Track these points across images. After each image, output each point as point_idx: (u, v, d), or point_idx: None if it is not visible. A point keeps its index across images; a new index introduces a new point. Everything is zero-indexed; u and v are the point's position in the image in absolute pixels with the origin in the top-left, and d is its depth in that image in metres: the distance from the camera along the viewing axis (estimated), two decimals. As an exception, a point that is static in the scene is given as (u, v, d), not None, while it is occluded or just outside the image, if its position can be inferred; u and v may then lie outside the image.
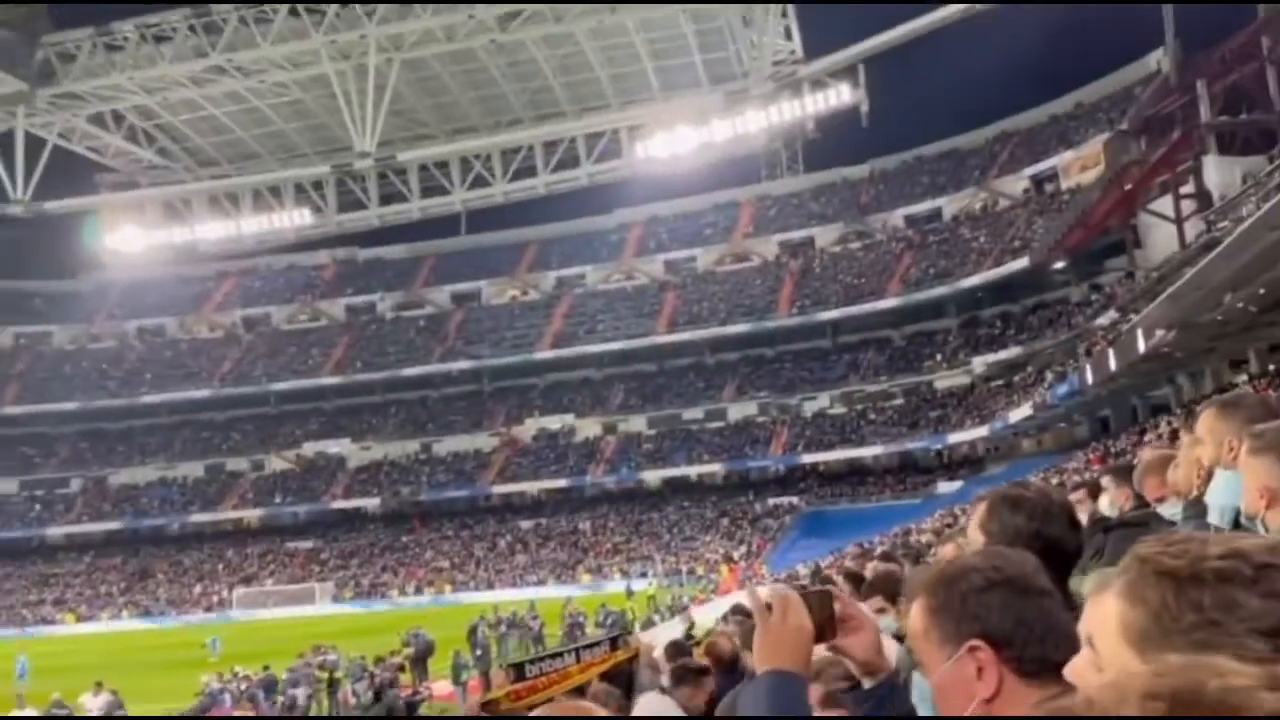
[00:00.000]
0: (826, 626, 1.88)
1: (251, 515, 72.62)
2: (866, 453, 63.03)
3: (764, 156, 77.17)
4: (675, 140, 63.04)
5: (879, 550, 17.56)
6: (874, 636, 1.93)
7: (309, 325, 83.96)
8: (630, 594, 41.62)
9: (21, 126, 61.61)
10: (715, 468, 66.63)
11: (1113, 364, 34.11)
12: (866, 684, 1.99)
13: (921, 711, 1.94)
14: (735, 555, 55.83)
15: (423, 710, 19.58)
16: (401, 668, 22.43)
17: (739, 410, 68.80)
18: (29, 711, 17.11)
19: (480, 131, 66.53)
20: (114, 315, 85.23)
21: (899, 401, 64.24)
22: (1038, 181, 63.70)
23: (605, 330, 74.77)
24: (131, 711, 18.72)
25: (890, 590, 4.99)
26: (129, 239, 75.00)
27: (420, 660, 24.75)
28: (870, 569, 6.93)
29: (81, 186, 73.17)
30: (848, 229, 74.26)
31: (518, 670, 6.12)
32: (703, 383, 72.20)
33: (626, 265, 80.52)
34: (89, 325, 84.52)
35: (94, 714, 18.00)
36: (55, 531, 71.81)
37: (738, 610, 9.86)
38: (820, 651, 1.93)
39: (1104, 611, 1.08)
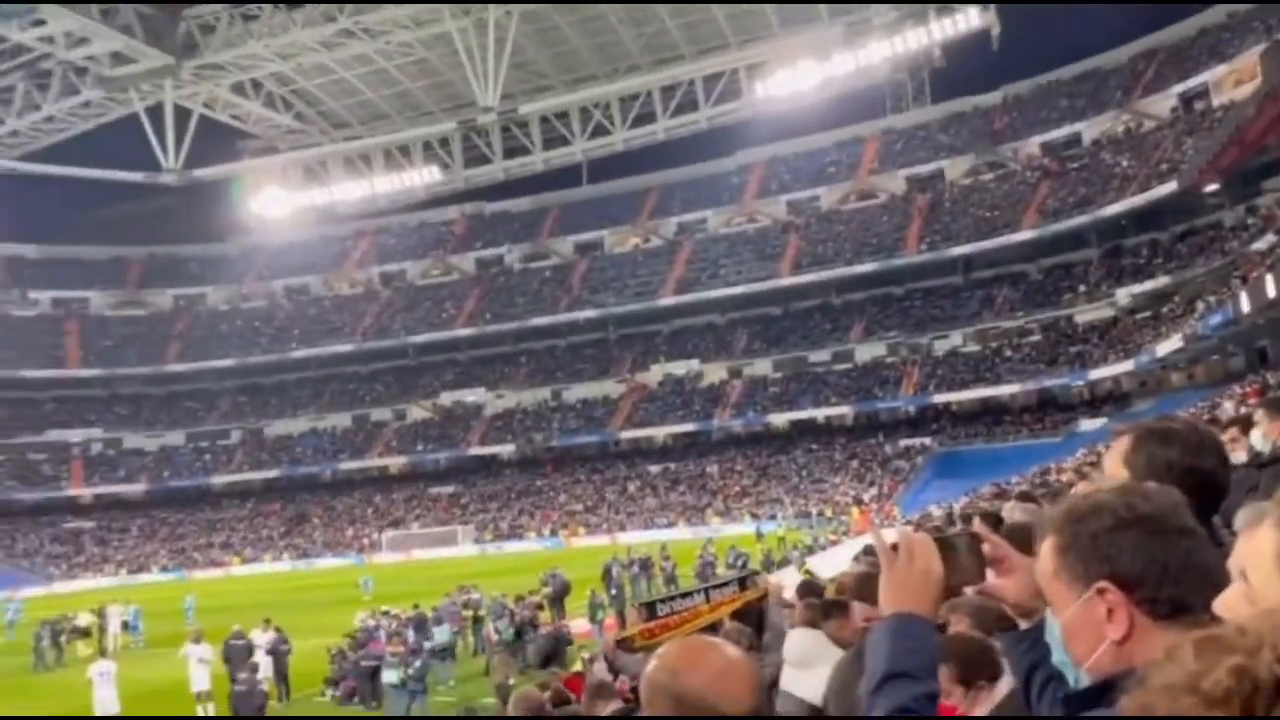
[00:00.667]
0: (975, 569, 1.85)
1: (396, 462, 76.07)
2: (1003, 391, 61.18)
3: (888, 89, 74.65)
4: (796, 77, 61.50)
5: (1017, 490, 17.22)
6: (1027, 578, 1.81)
7: (442, 279, 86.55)
8: (760, 536, 41.94)
9: (170, 99, 64.81)
10: (844, 410, 65.92)
11: (1271, 291, 32.01)
12: (1022, 625, 1.96)
13: (1055, 654, 1.88)
14: (865, 497, 55.44)
15: (564, 647, 20.43)
16: (540, 606, 23.37)
17: (867, 351, 67.69)
18: (204, 646, 18.50)
19: (599, 80, 66.49)
20: (262, 276, 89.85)
21: (1036, 338, 61.96)
22: (1186, 100, 59.71)
23: (728, 274, 74.45)
24: (296, 645, 20.20)
25: (1023, 544, 4.96)
26: (273, 202, 78.50)
27: (558, 599, 25.69)
28: (1007, 509, 6.86)
29: (227, 154, 76.83)
30: (979, 160, 71.42)
31: (649, 609, 6.41)
32: (829, 324, 71.25)
33: (748, 208, 79.70)
34: (240, 286, 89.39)
35: (263, 648, 19.48)
36: (219, 480, 76.94)
37: (869, 552, 9.93)
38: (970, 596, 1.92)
39: (1258, 544, 1.06)
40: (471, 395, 77.48)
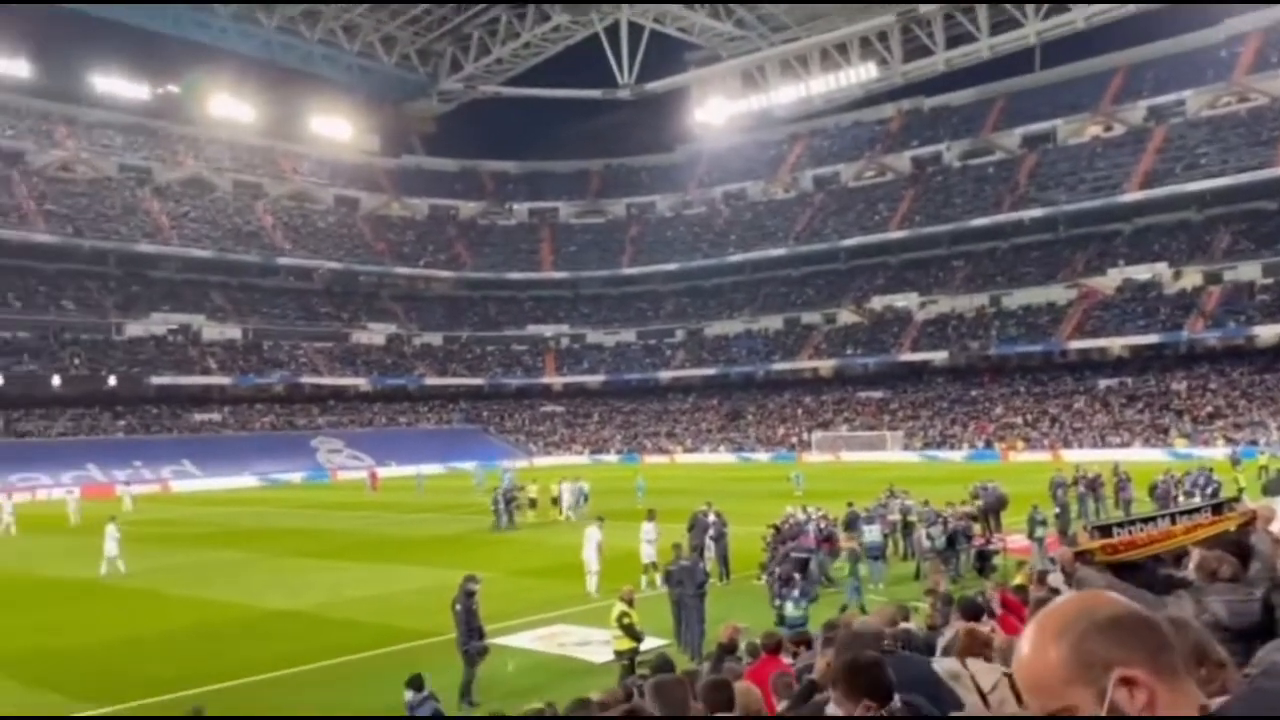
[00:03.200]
0: None
1: (825, 365, 77.20)
2: None
3: None
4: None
5: None
6: None
7: (875, 180, 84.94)
8: (1236, 463, 36.82)
9: (625, 17, 69.30)
10: (1357, 323, 55.19)
11: None
12: None
13: None
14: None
15: (996, 561, 19.67)
16: (974, 518, 22.63)
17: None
18: (653, 525, 20.33)
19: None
20: (703, 183, 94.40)
21: None
22: None
23: (1209, 164, 64.71)
24: (733, 530, 21.55)
25: None
26: (714, 111, 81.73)
27: (991, 512, 24.70)
28: None
29: (674, 67, 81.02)
30: None
31: (1103, 533, 5.85)
32: (1342, 221, 59.51)
33: (1238, 85, 68.20)
34: (684, 194, 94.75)
35: (710, 527, 21.06)
36: (665, 375, 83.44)
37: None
38: None
39: None
40: (902, 300, 75.87)
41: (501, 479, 38.39)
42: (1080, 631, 1.27)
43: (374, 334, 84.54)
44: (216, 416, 71.47)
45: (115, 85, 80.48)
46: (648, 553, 20.21)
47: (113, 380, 66.67)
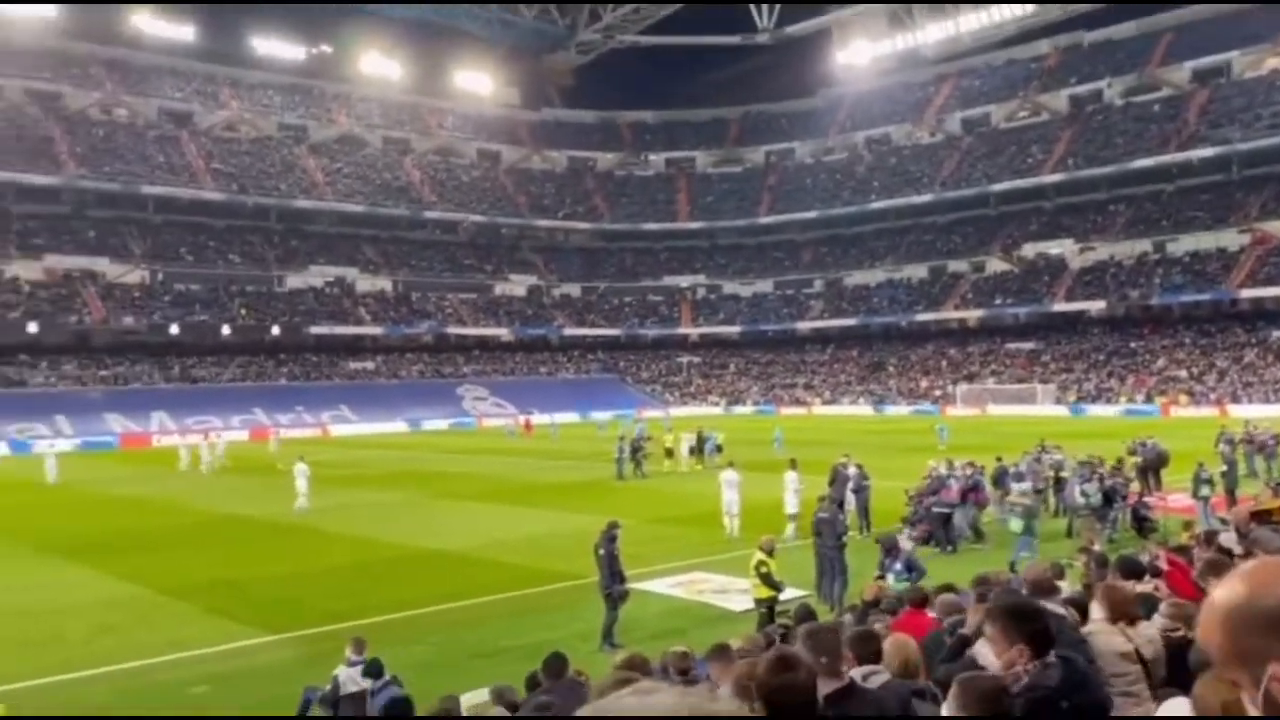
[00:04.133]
0: None
1: (972, 315, 74.61)
2: None
3: None
4: None
5: None
6: None
7: (1028, 121, 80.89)
8: None
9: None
10: None
11: None
12: None
13: None
14: None
15: (1155, 520, 18.76)
16: (1130, 475, 21.63)
17: None
18: (795, 474, 20.24)
19: None
20: (845, 128, 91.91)
21: None
22: None
23: None
24: (874, 483, 21.23)
25: None
26: (857, 53, 79.30)
27: (1151, 470, 23.54)
28: None
29: (815, 9, 78.83)
30: None
31: (1283, 490, 5.48)
32: None
33: None
34: (824, 140, 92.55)
35: (851, 480, 20.82)
36: (803, 326, 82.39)
37: None
38: None
39: None
40: (1056, 247, 72.34)
41: (633, 429, 38.89)
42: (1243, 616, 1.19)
43: (515, 285, 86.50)
44: (370, 365, 74.79)
45: (274, 47, 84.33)
46: (791, 502, 20.17)
47: (275, 330, 70.64)
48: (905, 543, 13.75)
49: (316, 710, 9.31)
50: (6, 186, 67.73)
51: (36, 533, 23.11)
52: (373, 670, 9.15)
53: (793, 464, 21.02)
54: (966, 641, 4.66)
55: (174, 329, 66.78)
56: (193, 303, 69.91)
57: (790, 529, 19.73)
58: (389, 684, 9.03)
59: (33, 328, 61.70)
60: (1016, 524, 17.15)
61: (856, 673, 3.64)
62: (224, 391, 64.54)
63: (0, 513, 26.89)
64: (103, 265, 69.11)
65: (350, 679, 9.10)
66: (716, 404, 74.14)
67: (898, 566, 13.14)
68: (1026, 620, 2.82)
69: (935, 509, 18.77)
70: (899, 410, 65.08)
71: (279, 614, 14.91)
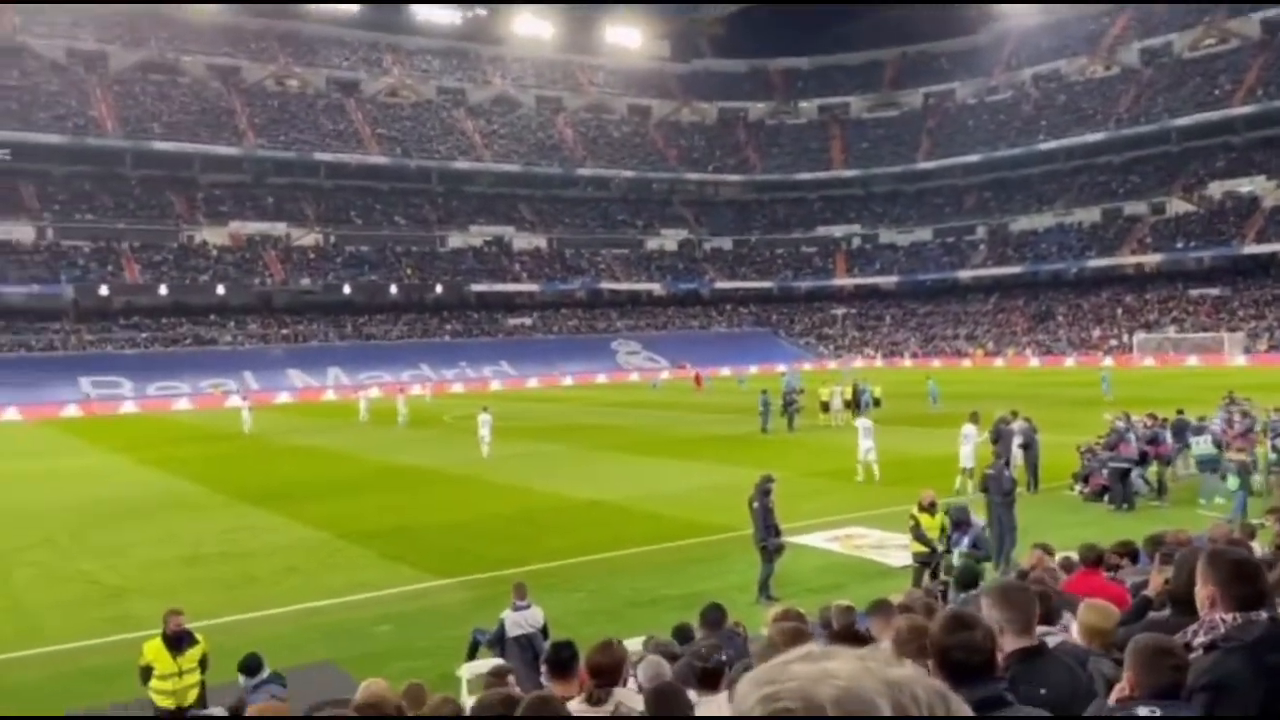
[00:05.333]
0: None
1: (1150, 260, 70.06)
2: None
3: None
4: None
5: None
6: None
7: (1215, 49, 74.68)
8: None
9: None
10: None
11: None
12: None
13: None
14: None
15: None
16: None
17: None
18: (973, 427, 19.58)
19: None
20: (1010, 66, 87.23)
21: None
22: None
23: None
24: (1044, 439, 20.30)
25: None
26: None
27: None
28: None
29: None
30: None
31: None
32: None
33: None
34: (987, 78, 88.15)
35: (1019, 435, 19.98)
36: (965, 274, 79.31)
37: None
38: None
39: None
40: (1247, 185, 66.85)
41: (784, 381, 38.50)
42: None
43: (666, 240, 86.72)
44: (527, 321, 76.80)
45: (431, 12, 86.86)
46: (966, 455, 19.64)
47: (439, 288, 73.44)
48: (976, 518, 12.92)
49: (484, 652, 9.74)
50: (194, 158, 72.62)
51: (230, 481, 24.97)
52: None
53: (973, 418, 20.37)
54: (1148, 603, 4.42)
55: (346, 289, 70.38)
56: (363, 263, 73.36)
57: (958, 482, 19.23)
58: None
59: (221, 290, 66.33)
60: (1233, 481, 16.17)
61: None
62: (393, 348, 67.68)
63: (200, 462, 29.19)
64: (281, 230, 73.40)
65: (515, 622, 9.47)
66: (872, 356, 72.56)
67: (965, 541, 12.12)
68: (1244, 576, 2.63)
69: (1113, 464, 17.83)
70: (1068, 362, 61.90)
71: (448, 559, 15.64)
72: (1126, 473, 17.63)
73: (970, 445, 19.57)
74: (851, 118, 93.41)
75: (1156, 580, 4.74)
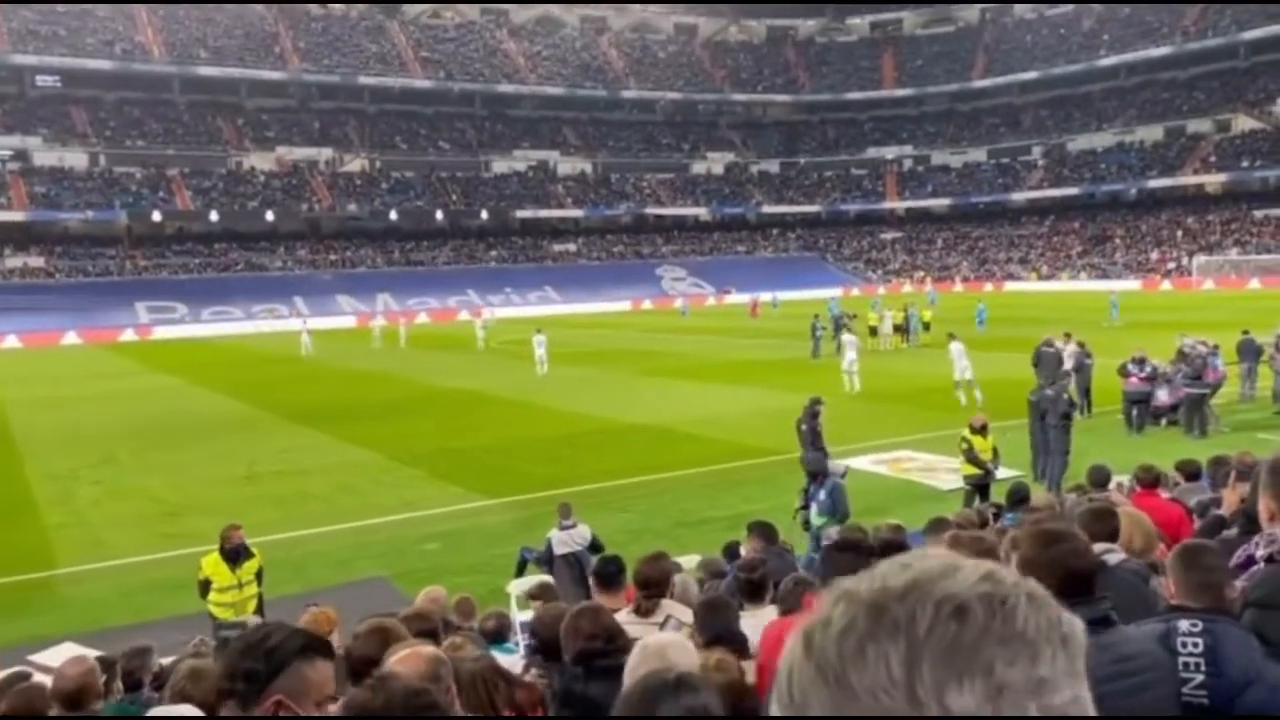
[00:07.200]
0: None
1: (1214, 180, 67.72)
2: None
3: None
4: None
5: None
6: None
7: (1294, -45, 70.85)
8: None
9: None
10: None
11: None
12: None
13: None
14: None
15: None
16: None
17: None
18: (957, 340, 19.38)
19: None
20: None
21: None
22: None
23: None
24: (1097, 361, 19.86)
25: None
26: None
27: None
28: None
29: None
30: None
31: None
32: None
33: None
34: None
35: (1069, 360, 19.56)
36: (1019, 197, 77.37)
37: None
38: None
39: None
40: (1323, 100, 63.96)
41: (829, 307, 38.02)
42: None
43: (712, 163, 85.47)
44: (572, 247, 76.57)
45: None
46: (962, 369, 20.73)
47: (484, 214, 73.34)
48: (836, 467, 11.85)
49: (532, 568, 9.86)
50: (240, 83, 72.56)
51: (286, 403, 25.42)
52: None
53: (951, 336, 21.62)
54: (1221, 522, 4.28)
55: (393, 215, 70.58)
56: (408, 189, 73.37)
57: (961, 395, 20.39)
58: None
59: (270, 216, 66.84)
60: None
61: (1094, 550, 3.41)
62: (440, 275, 67.99)
63: (259, 385, 29.73)
64: (327, 155, 73.47)
65: (561, 541, 9.55)
66: (923, 281, 71.42)
67: (821, 495, 11.01)
68: None
69: (1193, 390, 17.34)
70: (1126, 285, 60.33)
71: (496, 480, 15.83)
72: (1202, 399, 17.22)
73: (964, 360, 20.51)
74: (904, 34, 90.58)
75: (1231, 498, 4.59)
